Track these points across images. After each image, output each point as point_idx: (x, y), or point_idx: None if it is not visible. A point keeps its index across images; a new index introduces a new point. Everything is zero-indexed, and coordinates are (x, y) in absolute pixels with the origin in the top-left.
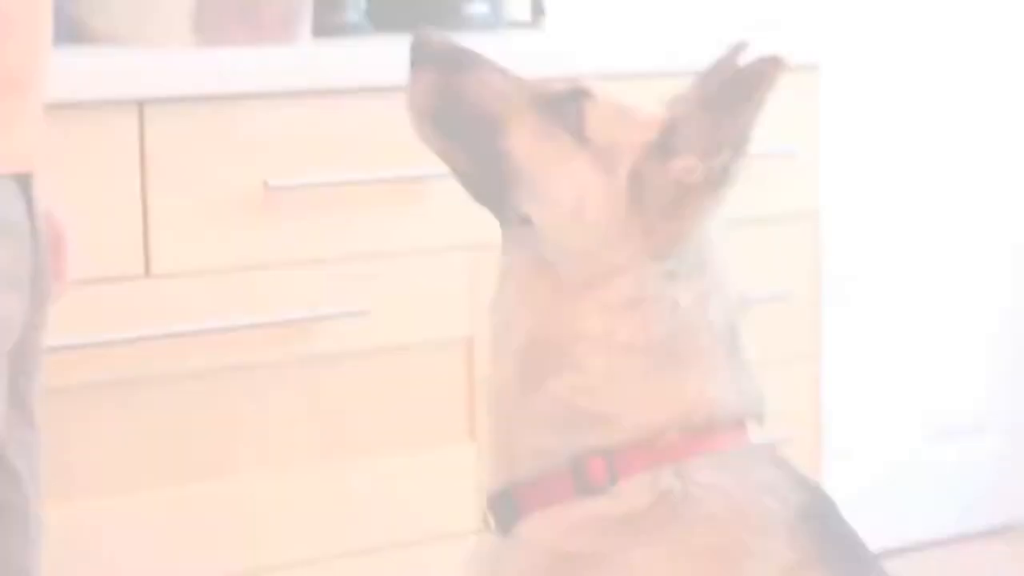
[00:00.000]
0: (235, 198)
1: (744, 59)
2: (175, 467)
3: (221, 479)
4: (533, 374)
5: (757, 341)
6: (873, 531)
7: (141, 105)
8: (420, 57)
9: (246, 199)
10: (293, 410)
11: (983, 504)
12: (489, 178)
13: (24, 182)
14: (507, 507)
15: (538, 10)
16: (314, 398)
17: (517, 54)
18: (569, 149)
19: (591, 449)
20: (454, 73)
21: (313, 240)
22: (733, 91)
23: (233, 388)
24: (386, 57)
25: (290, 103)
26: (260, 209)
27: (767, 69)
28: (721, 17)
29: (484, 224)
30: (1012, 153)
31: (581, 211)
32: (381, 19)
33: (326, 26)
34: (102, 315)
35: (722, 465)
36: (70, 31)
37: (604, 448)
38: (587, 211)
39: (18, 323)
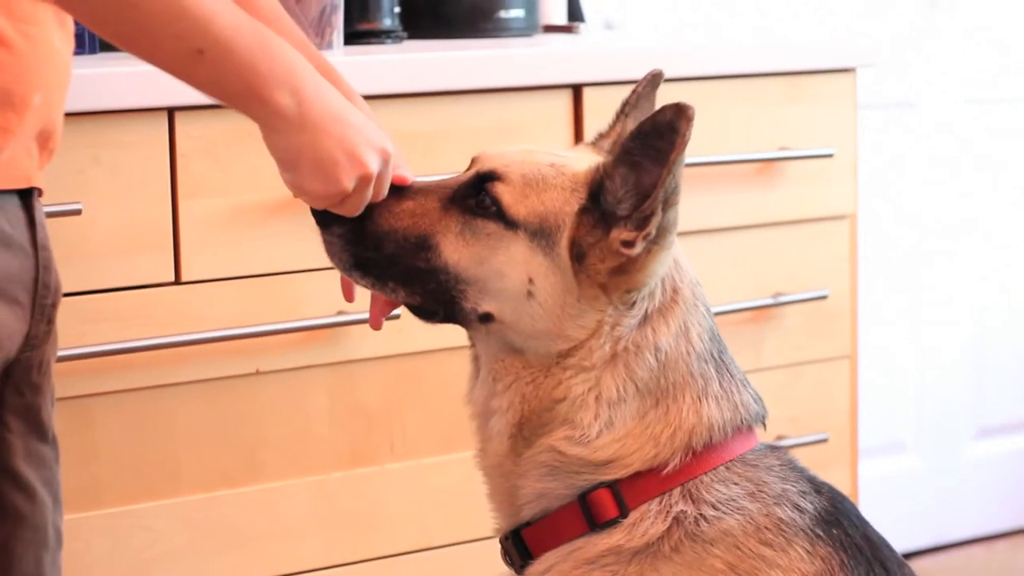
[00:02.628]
0: (265, 204)
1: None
2: (206, 473)
3: (251, 484)
4: (524, 441)
5: (794, 341)
6: (915, 529)
7: (171, 113)
8: (322, 217)
9: (276, 205)
10: (323, 415)
11: None
12: (438, 297)
13: (26, 197)
14: (519, 547)
15: (575, 15)
16: (344, 403)
17: (553, 59)
18: (501, 239)
19: (596, 484)
20: (362, 218)
21: None
22: (647, 148)
23: (263, 393)
24: (418, 63)
25: None
26: (290, 215)
27: (677, 123)
28: (756, 21)
29: None
30: None
31: (534, 295)
32: (415, 25)
33: (359, 33)
34: (133, 322)
35: (732, 480)
36: (104, 40)
37: (609, 482)
38: (539, 293)
39: (13, 336)
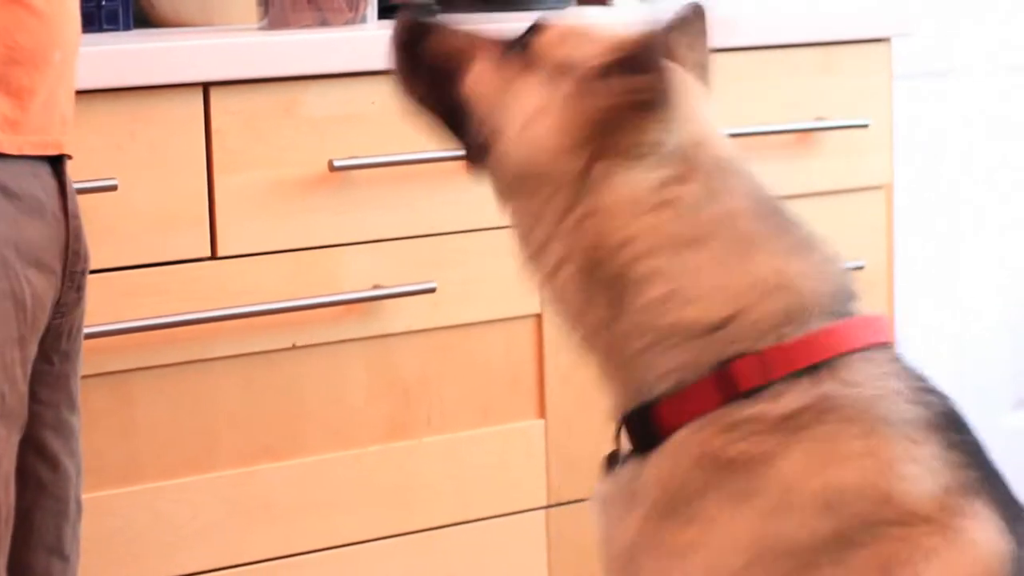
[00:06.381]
0: (300, 178)
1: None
2: (244, 447)
3: (289, 459)
4: (606, 298)
5: None
6: None
7: (206, 88)
8: (399, 15)
9: (311, 179)
10: (361, 389)
11: None
12: (447, 106)
13: (56, 164)
14: (647, 426)
15: None
16: (382, 376)
17: None
18: (519, 74)
19: (734, 353)
20: (422, 35)
21: (379, 219)
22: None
23: (301, 368)
24: None
25: (355, 84)
26: (325, 189)
27: None
28: None
29: None
30: None
31: (531, 126)
32: (448, 0)
33: (393, 7)
34: (169, 297)
35: (872, 361)
36: (138, 16)
37: (747, 350)
38: (536, 125)
39: (47, 304)
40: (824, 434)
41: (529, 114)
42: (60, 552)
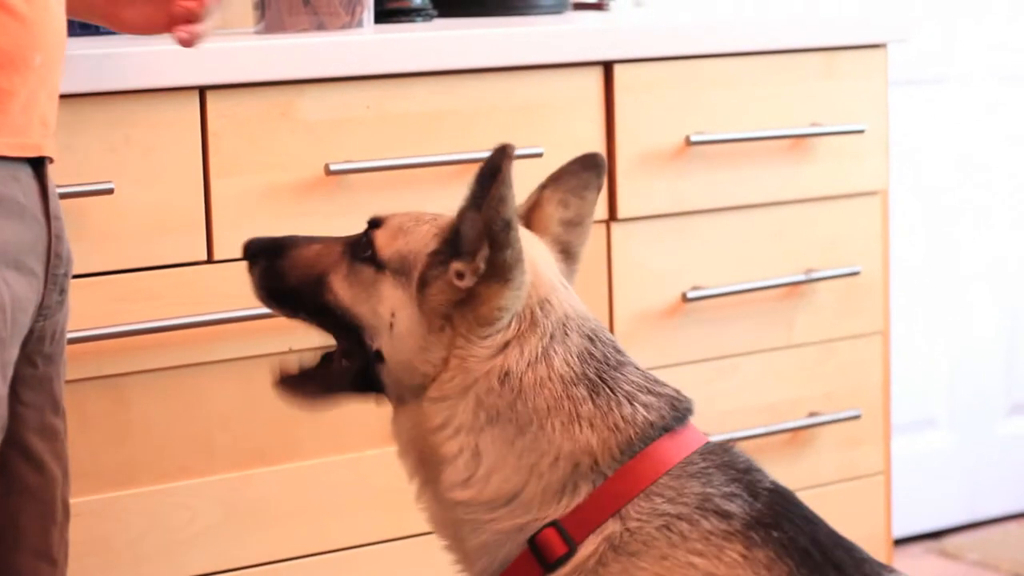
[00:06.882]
0: (296, 182)
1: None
2: (241, 451)
3: (285, 462)
4: (425, 481)
5: (826, 317)
6: (947, 505)
7: (203, 91)
8: (249, 255)
9: (307, 183)
10: None
11: None
12: (342, 330)
13: (38, 166)
14: None
15: None
16: None
17: (584, 36)
18: (374, 279)
19: (530, 523)
20: (275, 258)
21: None
22: (477, 187)
23: None
24: (449, 42)
25: (351, 88)
26: (321, 193)
27: (499, 163)
28: None
29: None
30: None
31: (395, 327)
32: (445, 3)
33: (390, 11)
34: (166, 301)
35: (653, 491)
36: None
37: (541, 519)
38: (398, 325)
39: (28, 307)
40: (610, 573)
41: (391, 314)
42: (48, 555)
